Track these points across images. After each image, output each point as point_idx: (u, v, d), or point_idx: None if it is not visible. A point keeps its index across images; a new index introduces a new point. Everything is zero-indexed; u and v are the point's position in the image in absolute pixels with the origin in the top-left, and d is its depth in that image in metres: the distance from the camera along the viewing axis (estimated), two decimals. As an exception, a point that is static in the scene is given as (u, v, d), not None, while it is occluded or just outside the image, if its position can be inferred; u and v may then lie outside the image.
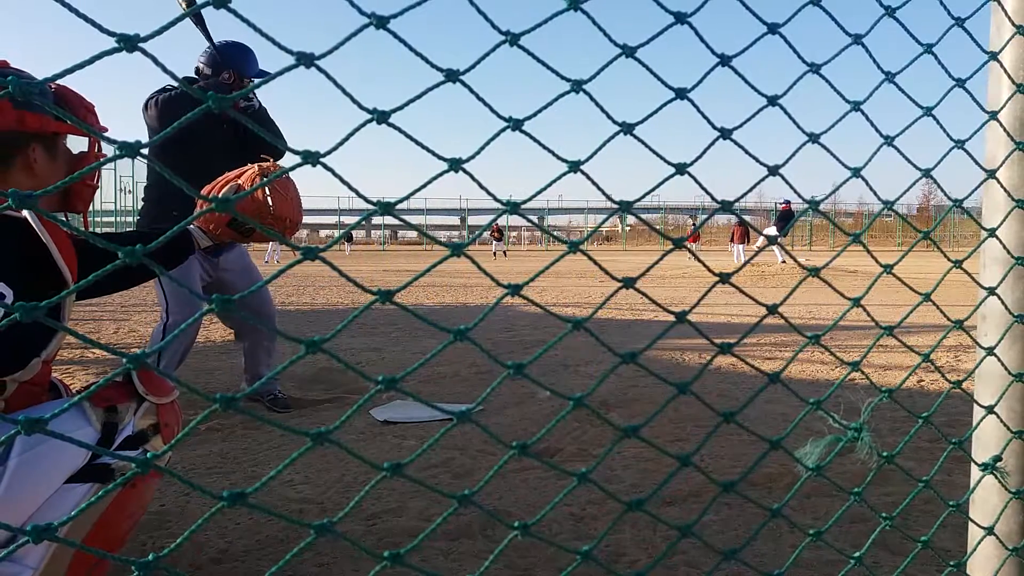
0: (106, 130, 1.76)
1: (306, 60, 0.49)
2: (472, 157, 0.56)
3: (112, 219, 30.20)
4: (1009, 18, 1.07)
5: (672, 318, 0.67)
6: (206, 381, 4.04)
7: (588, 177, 0.65)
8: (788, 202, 17.42)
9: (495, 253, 31.63)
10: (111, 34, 0.46)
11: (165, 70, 0.47)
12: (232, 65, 3.26)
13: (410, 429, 3.07)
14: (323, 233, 61.94)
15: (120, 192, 29.54)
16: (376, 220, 52.38)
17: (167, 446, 0.52)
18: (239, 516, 2.07)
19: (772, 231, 18.09)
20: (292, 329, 6.22)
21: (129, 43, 0.44)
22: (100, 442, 1.41)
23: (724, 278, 0.71)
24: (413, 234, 63.61)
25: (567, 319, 0.63)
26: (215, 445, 2.81)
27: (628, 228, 57.68)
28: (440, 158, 0.55)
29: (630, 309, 7.63)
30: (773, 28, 0.76)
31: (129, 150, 0.47)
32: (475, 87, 0.58)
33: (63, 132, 1.53)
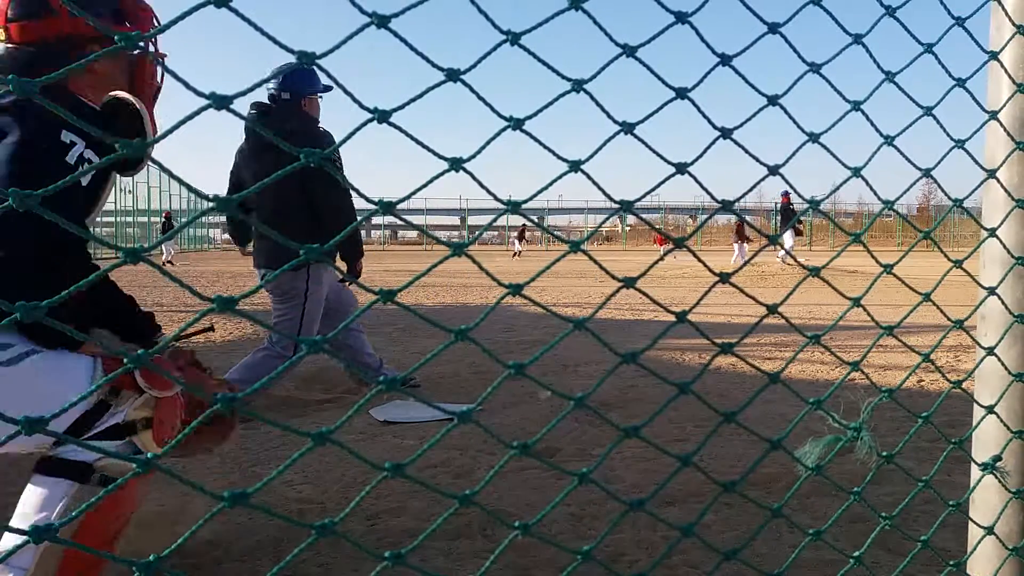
0: (156, 32, 1.76)
1: (307, 59, 0.49)
2: (473, 156, 0.56)
3: (112, 219, 30.18)
4: (1009, 18, 1.07)
5: (672, 318, 0.67)
6: (206, 381, 4.04)
7: (589, 177, 0.65)
8: (787, 194, 17.07)
9: (517, 253, 31.47)
10: (112, 32, 0.46)
11: (166, 69, 0.47)
12: (290, 86, 3.40)
13: (409, 429, 3.07)
14: (323, 233, 61.65)
15: (120, 192, 29.50)
16: (376, 220, 52.38)
17: (167, 447, 0.52)
18: (239, 516, 2.07)
19: (788, 238, 17.82)
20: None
21: (131, 42, 0.44)
22: (89, 414, 1.38)
23: (724, 278, 0.71)
24: (413, 234, 63.52)
25: (569, 319, 0.63)
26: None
27: (628, 228, 57.70)
28: (441, 157, 0.56)
29: (630, 309, 7.63)
30: (774, 28, 0.76)
31: (131, 149, 0.47)
32: (475, 86, 0.58)
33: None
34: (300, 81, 3.41)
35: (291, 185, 3.29)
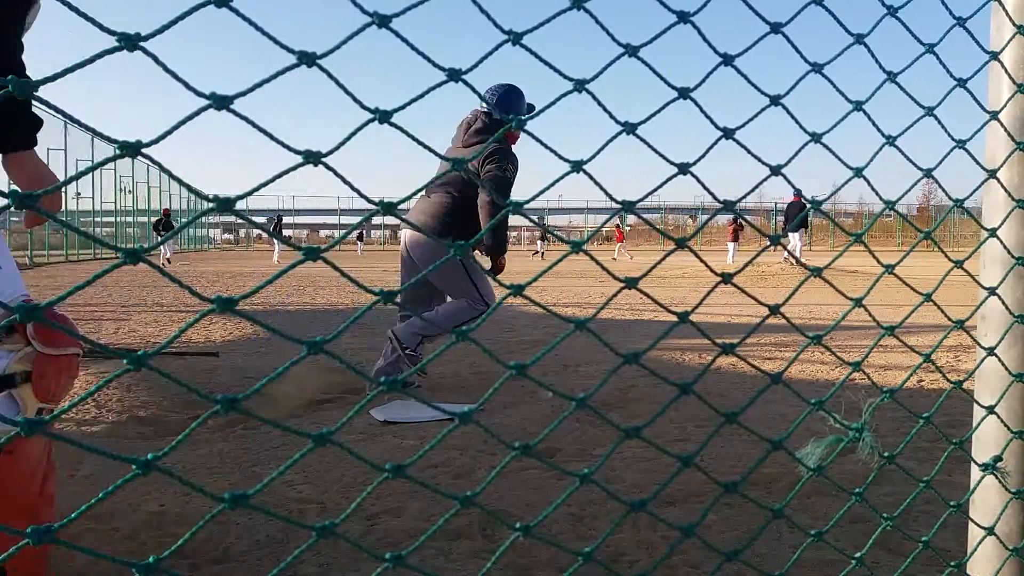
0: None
1: (308, 59, 0.49)
2: (475, 157, 0.56)
3: (112, 219, 30.16)
4: (1010, 18, 1.07)
5: (674, 318, 0.67)
6: (206, 380, 4.04)
7: (591, 177, 0.64)
8: (798, 193, 17.08)
9: (541, 253, 31.85)
10: (112, 33, 0.46)
11: (166, 70, 0.47)
12: (506, 110, 3.93)
13: (409, 429, 3.07)
14: (323, 233, 61.88)
15: (120, 192, 29.48)
16: (376, 220, 52.44)
17: (172, 444, 0.52)
18: (239, 516, 2.07)
19: (794, 239, 17.94)
20: (293, 329, 6.21)
21: (130, 42, 0.44)
22: None
23: (727, 278, 0.71)
24: (413, 234, 63.37)
25: (570, 319, 0.63)
26: (215, 445, 2.81)
27: (628, 228, 57.78)
28: (443, 158, 0.55)
29: (630, 309, 7.63)
30: (776, 28, 0.76)
31: (129, 150, 0.47)
32: (477, 86, 0.58)
33: None
34: (515, 106, 3.97)
35: (470, 185, 3.86)
